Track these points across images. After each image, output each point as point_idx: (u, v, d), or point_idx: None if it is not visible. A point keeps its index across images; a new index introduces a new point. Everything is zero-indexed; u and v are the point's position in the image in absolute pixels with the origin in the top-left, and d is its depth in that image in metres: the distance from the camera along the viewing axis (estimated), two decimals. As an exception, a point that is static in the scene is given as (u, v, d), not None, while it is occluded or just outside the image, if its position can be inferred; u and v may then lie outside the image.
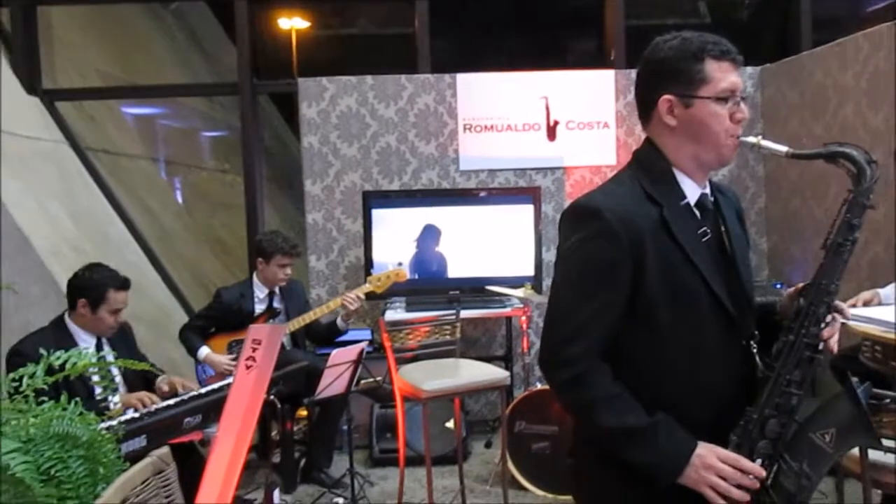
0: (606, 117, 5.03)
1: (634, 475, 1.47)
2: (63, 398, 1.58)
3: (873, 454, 2.19)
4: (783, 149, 1.52)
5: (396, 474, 3.80)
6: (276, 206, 8.03)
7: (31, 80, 5.08)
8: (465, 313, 4.35)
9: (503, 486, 3.44)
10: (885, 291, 3.26)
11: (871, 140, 4.05)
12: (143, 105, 6.97)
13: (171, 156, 7.44)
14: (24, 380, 1.54)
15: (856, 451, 2.15)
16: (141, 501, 1.71)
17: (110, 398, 3.10)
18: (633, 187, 1.53)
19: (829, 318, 1.49)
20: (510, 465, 3.77)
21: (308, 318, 4.16)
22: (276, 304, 4.27)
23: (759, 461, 1.45)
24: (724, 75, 1.49)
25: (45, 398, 1.64)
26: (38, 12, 5.21)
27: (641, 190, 1.51)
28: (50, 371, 1.75)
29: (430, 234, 4.73)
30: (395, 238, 4.70)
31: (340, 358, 3.75)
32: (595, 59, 6.33)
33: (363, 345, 3.88)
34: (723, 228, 1.57)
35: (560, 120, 5.05)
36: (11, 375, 1.59)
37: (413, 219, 4.75)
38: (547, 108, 5.06)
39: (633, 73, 5.62)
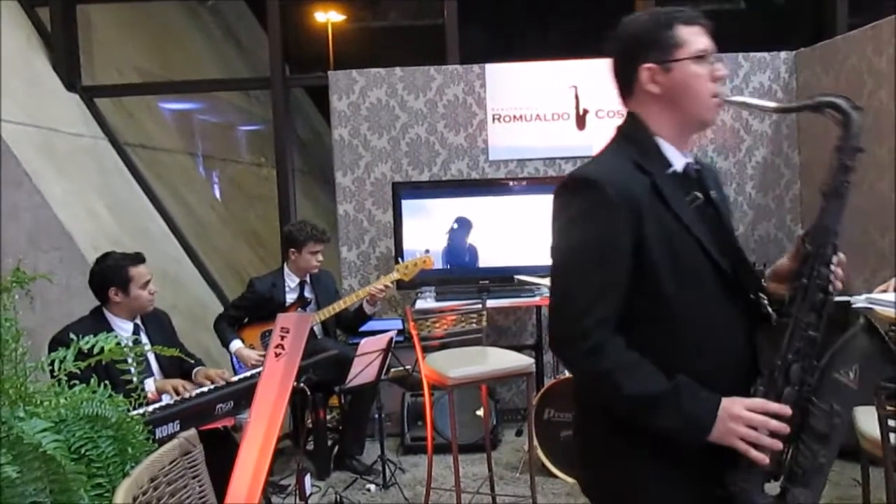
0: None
1: (650, 447, 1.48)
2: (93, 382, 1.64)
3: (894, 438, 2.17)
4: (769, 104, 1.58)
5: (427, 461, 3.85)
6: (310, 198, 8.13)
7: (70, 78, 5.21)
8: (493, 302, 4.39)
9: (531, 473, 3.47)
10: (912, 277, 3.20)
11: (907, 124, 3.98)
12: (180, 100, 7.10)
13: (207, 150, 7.57)
14: (56, 363, 1.61)
15: (877, 434, 2.14)
16: (169, 481, 1.78)
17: (144, 382, 3.18)
18: (622, 159, 1.55)
19: (835, 259, 1.51)
20: (539, 453, 3.80)
21: (338, 307, 4.23)
22: (307, 294, 4.34)
23: (785, 406, 1.45)
24: (696, 37, 1.54)
25: (79, 381, 1.71)
26: (78, 10, 5.34)
27: (631, 161, 1.53)
28: (87, 356, 1.83)
29: (461, 227, 4.77)
30: (425, 228, 4.74)
31: (370, 347, 3.81)
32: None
33: (392, 333, 3.94)
34: (711, 193, 1.60)
35: (589, 109, 5.04)
36: (43, 360, 1.67)
37: (443, 209, 4.78)
38: (576, 97, 5.05)
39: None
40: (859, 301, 2.82)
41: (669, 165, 1.56)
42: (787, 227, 5.20)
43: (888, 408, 2.11)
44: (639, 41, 1.56)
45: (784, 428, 1.43)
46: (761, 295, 1.56)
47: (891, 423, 2.14)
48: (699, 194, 1.55)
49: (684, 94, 1.54)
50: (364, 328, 4.44)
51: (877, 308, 2.70)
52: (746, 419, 1.42)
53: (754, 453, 1.41)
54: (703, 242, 1.50)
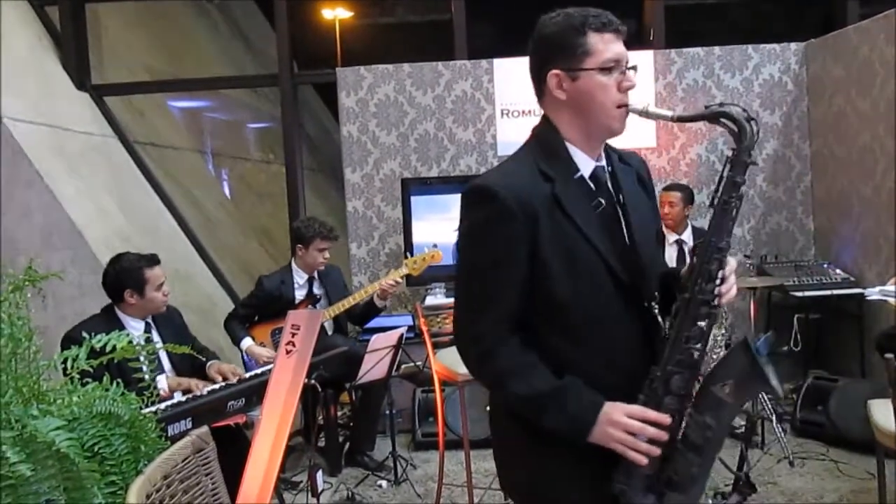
0: (646, 99, 4.94)
1: (551, 444, 1.52)
2: (105, 380, 1.65)
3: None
4: (668, 113, 1.56)
5: (438, 457, 3.85)
6: (319, 196, 8.14)
7: (80, 77, 5.24)
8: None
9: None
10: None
11: (919, 115, 3.95)
12: (190, 98, 7.12)
13: (217, 148, 7.59)
14: (69, 362, 1.62)
15: (892, 426, 2.12)
16: (182, 478, 1.79)
17: (157, 379, 3.19)
18: (528, 165, 1.56)
19: (721, 275, 1.51)
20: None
21: (347, 303, 4.23)
22: (315, 290, 4.35)
23: (664, 415, 1.49)
24: (607, 46, 1.53)
25: (90, 380, 1.71)
26: (87, 9, 5.36)
27: (536, 167, 1.55)
28: (99, 354, 1.84)
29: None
30: (434, 224, 4.74)
31: (380, 343, 3.81)
32: (634, 40, 6.25)
33: (402, 330, 3.94)
34: (620, 198, 1.60)
35: (598, 103, 5.01)
36: (55, 358, 1.67)
37: (452, 205, 4.77)
38: (585, 91, 5.02)
39: (672, 52, 5.52)
40: (873, 293, 2.81)
41: (577, 170, 1.57)
42: (798, 220, 5.17)
43: (902, 400, 2.09)
44: (549, 45, 1.56)
45: (662, 435, 1.48)
46: (654, 304, 1.59)
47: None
48: (602, 200, 1.56)
49: (589, 103, 1.54)
50: (374, 324, 4.44)
51: (891, 300, 2.69)
52: (624, 425, 1.47)
53: (631, 454, 1.46)
54: (599, 249, 1.52)
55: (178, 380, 3.35)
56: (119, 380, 1.70)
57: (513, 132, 5.05)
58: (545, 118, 1.62)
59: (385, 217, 5.09)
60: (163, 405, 2.71)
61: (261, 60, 8.86)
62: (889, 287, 2.83)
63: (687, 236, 4.50)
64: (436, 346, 3.45)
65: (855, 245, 4.66)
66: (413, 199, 4.76)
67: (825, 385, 4.11)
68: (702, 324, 1.51)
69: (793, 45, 5.09)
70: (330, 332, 4.30)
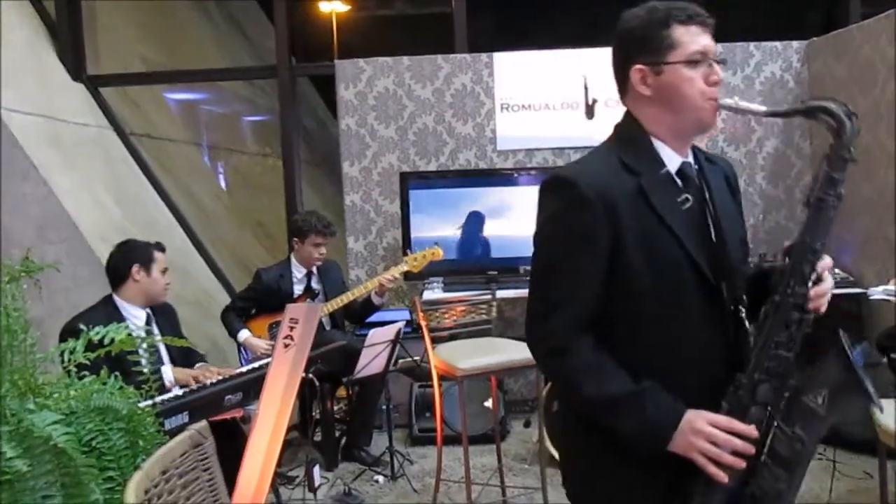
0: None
1: (620, 449, 1.46)
2: (103, 373, 1.62)
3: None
4: (760, 108, 1.49)
5: (435, 452, 3.83)
6: (316, 189, 8.10)
7: (76, 67, 5.19)
8: (502, 293, 4.36)
9: (541, 465, 3.45)
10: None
11: (921, 113, 3.93)
12: (186, 90, 7.07)
13: (213, 140, 7.54)
14: (65, 355, 1.59)
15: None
16: (180, 473, 1.76)
17: (163, 369, 3.17)
18: (609, 159, 1.52)
19: (814, 277, 1.44)
20: (548, 445, 3.77)
21: (346, 298, 4.21)
22: (314, 284, 4.33)
23: (752, 426, 1.41)
24: (693, 38, 1.48)
25: (90, 372, 1.68)
26: (82, 0, 5.31)
27: (618, 161, 1.50)
28: (98, 346, 1.81)
29: (474, 220, 4.75)
30: (432, 219, 4.72)
31: (378, 338, 3.79)
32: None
33: (400, 325, 3.92)
34: (707, 196, 1.55)
35: (599, 98, 4.99)
36: (52, 350, 1.64)
37: (451, 199, 4.76)
38: (585, 87, 5.01)
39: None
40: (876, 293, 2.80)
41: (663, 165, 1.52)
42: (797, 218, 5.15)
43: (908, 400, 2.07)
44: (632, 39, 1.52)
45: (748, 448, 1.39)
46: (740, 307, 1.52)
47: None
48: (689, 196, 1.50)
49: (675, 97, 1.49)
50: (372, 319, 4.43)
51: (894, 300, 2.68)
52: (708, 434, 1.39)
53: (712, 469, 1.38)
54: (686, 245, 1.47)
55: (186, 371, 3.34)
56: (117, 373, 1.67)
57: (512, 126, 5.03)
58: (628, 115, 1.57)
59: (383, 211, 5.06)
60: (159, 398, 2.68)
61: (257, 52, 8.80)
62: (892, 287, 2.82)
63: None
64: (434, 340, 3.43)
65: (855, 245, 4.65)
66: (412, 192, 4.73)
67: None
68: (792, 329, 1.42)
69: (794, 44, 5.07)
70: (327, 328, 4.27)
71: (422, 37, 6.83)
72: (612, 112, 4.95)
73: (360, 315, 4.43)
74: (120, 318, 3.21)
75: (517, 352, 3.26)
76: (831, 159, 1.42)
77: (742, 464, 1.39)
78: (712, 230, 1.52)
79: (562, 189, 1.48)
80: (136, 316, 3.35)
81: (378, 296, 4.29)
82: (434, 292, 4.57)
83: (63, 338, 3.13)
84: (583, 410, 1.51)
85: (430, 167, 5.03)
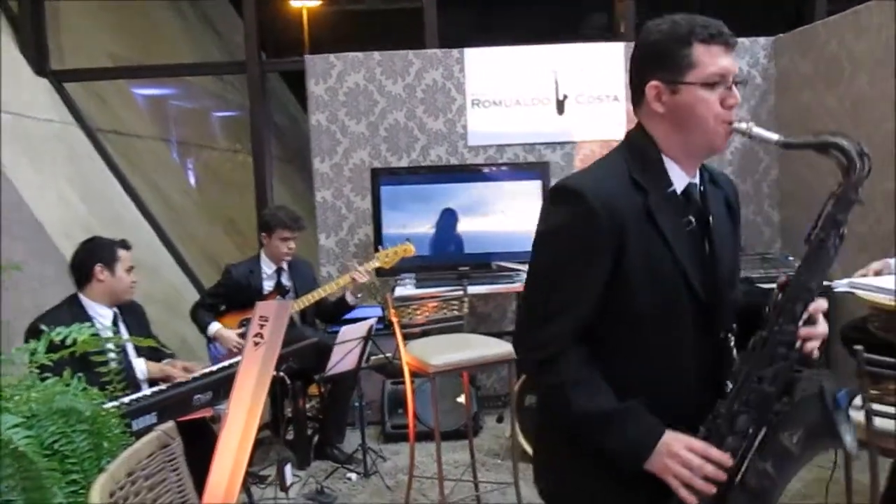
0: (616, 91, 4.97)
1: (603, 463, 1.47)
2: (66, 374, 1.59)
3: (880, 422, 2.18)
4: (774, 136, 1.46)
5: (408, 449, 3.81)
6: (287, 185, 8.04)
7: (39, 62, 5.09)
8: (473, 289, 4.37)
9: (514, 460, 3.46)
10: (895, 262, 3.22)
11: (884, 110, 3.99)
12: (154, 85, 6.97)
13: (182, 136, 7.45)
14: (26, 356, 1.55)
15: (862, 419, 2.14)
16: (147, 475, 1.73)
17: (135, 362, 3.09)
18: (620, 172, 1.49)
19: (806, 315, 1.43)
20: (521, 440, 3.79)
21: (317, 294, 4.18)
22: (284, 281, 4.29)
23: (727, 455, 1.42)
24: (714, 59, 1.44)
25: (52, 374, 1.65)
26: (46, -7, 5.21)
27: (628, 175, 1.48)
28: (62, 347, 1.77)
29: (448, 217, 4.74)
30: (404, 215, 4.70)
31: (349, 334, 3.77)
32: (605, 32, 6.25)
33: (372, 321, 3.90)
34: (710, 220, 1.54)
35: (569, 94, 5.00)
36: (14, 351, 1.61)
37: (422, 196, 4.74)
38: (556, 83, 5.01)
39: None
40: (841, 285, 2.83)
41: (670, 184, 1.50)
42: (765, 213, 5.22)
43: (872, 391, 2.11)
44: (650, 54, 1.49)
45: (720, 475, 1.41)
46: (730, 335, 1.53)
47: (875, 406, 2.15)
48: (692, 219, 1.49)
49: (688, 118, 1.46)
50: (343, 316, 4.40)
51: (858, 292, 2.72)
52: (683, 459, 1.40)
53: (683, 493, 1.40)
54: (685, 268, 1.46)
55: (161, 366, 3.30)
56: (80, 374, 1.63)
57: (484, 122, 5.02)
58: (641, 127, 1.54)
59: (354, 207, 5.03)
60: (126, 399, 2.63)
61: (227, 48, 8.71)
62: (856, 279, 2.86)
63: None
64: (406, 337, 3.42)
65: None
66: (383, 189, 4.71)
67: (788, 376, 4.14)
68: (777, 365, 1.42)
69: (761, 40, 5.13)
70: (298, 325, 4.24)
71: (392, 32, 6.81)
72: (582, 108, 4.97)
73: (332, 314, 4.39)
74: (85, 318, 3.16)
75: (489, 347, 3.26)
76: (838, 199, 1.40)
77: (712, 489, 1.40)
78: (711, 255, 1.52)
79: (571, 200, 1.46)
80: (102, 315, 3.30)
81: (353, 295, 4.26)
82: (406, 288, 4.56)
83: (27, 338, 3.08)
84: (567, 422, 1.51)
85: (402, 163, 5.01)
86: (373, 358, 4.10)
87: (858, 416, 2.28)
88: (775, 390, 1.41)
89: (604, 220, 1.42)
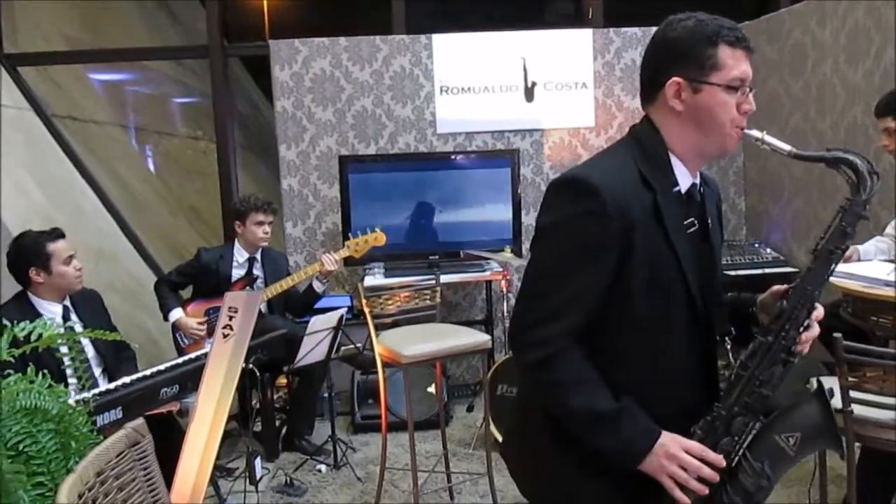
0: (584, 78, 4.96)
1: (590, 462, 1.47)
2: (30, 371, 1.52)
3: (856, 408, 2.19)
4: (787, 147, 1.47)
5: (378, 440, 3.77)
6: (251, 174, 7.90)
7: (-8, 45, 4.91)
8: (445, 278, 4.33)
9: (486, 450, 3.44)
10: (865, 248, 3.26)
11: (849, 97, 4.03)
12: (111, 71, 6.78)
13: (141, 122, 7.27)
14: (-11, 352, 1.47)
15: (839, 405, 2.15)
16: (117, 474, 1.67)
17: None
18: (629, 168, 1.47)
19: (806, 322, 1.46)
20: (493, 429, 3.77)
21: (286, 283, 4.11)
22: (255, 271, 4.21)
23: (721, 457, 1.44)
24: (737, 63, 1.45)
25: (11, 371, 1.58)
26: (-2, -27, 5.03)
27: (638, 172, 1.46)
28: (16, 345, 1.69)
29: (423, 211, 4.69)
30: (372, 203, 4.64)
31: (319, 325, 3.71)
32: (573, 18, 6.22)
33: (342, 311, 3.85)
34: (708, 221, 1.55)
35: (538, 81, 4.98)
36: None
37: (390, 183, 4.68)
38: (525, 69, 4.98)
39: (611, 31, 5.51)
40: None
41: (676, 184, 1.49)
42: (730, 200, 5.26)
43: (850, 379, 2.12)
44: (674, 49, 1.47)
45: (714, 477, 1.42)
46: (726, 339, 1.55)
47: (853, 394, 2.16)
48: (696, 221, 1.50)
49: (706, 118, 1.46)
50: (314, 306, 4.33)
51: (832, 280, 2.73)
52: (680, 460, 1.41)
53: (678, 493, 1.40)
54: (685, 271, 1.46)
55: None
56: (45, 371, 1.56)
57: (452, 109, 4.97)
58: (649, 122, 1.52)
59: (321, 196, 4.96)
60: (89, 394, 2.54)
61: (186, 33, 8.51)
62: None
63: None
64: (378, 327, 3.38)
65: (785, 225, 4.77)
66: (351, 177, 4.64)
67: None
68: (776, 369, 1.45)
69: (727, 27, 5.14)
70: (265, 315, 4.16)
71: (358, 17, 6.71)
72: (550, 94, 4.95)
73: (302, 305, 4.31)
74: (35, 315, 3.05)
75: (461, 337, 3.23)
76: (846, 213, 1.42)
77: (706, 490, 1.41)
78: (709, 257, 1.53)
79: (583, 194, 1.42)
80: (51, 312, 3.18)
81: (319, 282, 4.19)
82: (375, 278, 4.51)
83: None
84: (563, 420, 1.49)
85: (370, 150, 4.94)
86: (343, 349, 4.05)
87: (835, 402, 2.29)
88: (772, 394, 1.44)
89: (615, 220, 1.40)
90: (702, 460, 1.41)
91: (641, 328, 1.46)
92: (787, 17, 4.64)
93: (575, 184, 1.44)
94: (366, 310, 3.34)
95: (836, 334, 2.13)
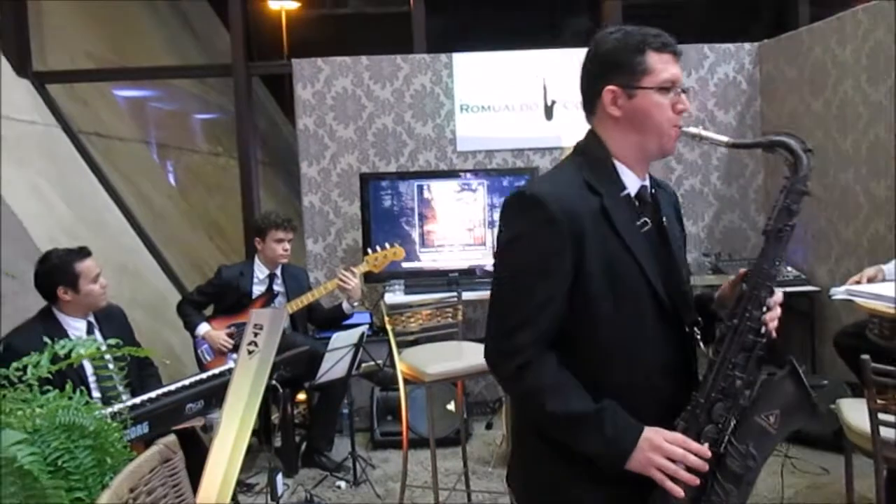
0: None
1: (582, 468, 1.49)
2: (68, 387, 1.55)
3: (884, 431, 2.18)
4: (723, 138, 1.57)
5: (397, 457, 3.79)
6: (270, 190, 7.97)
7: (21, 63, 5.00)
8: (467, 295, 4.34)
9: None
10: (889, 267, 3.25)
11: (871, 115, 4.03)
12: (135, 88, 6.88)
13: (163, 139, 7.35)
14: (29, 369, 1.50)
15: (867, 427, 2.15)
16: (149, 490, 1.70)
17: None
18: (574, 177, 1.55)
19: (769, 301, 1.51)
20: (512, 447, 3.77)
21: (306, 299, 4.14)
22: (276, 287, 4.24)
23: (706, 445, 1.47)
24: (665, 66, 1.53)
25: (50, 388, 1.61)
26: (27, -7, 5.13)
27: (583, 180, 1.54)
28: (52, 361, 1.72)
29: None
30: (392, 220, 4.67)
31: (341, 342, 3.74)
32: (590, 36, 6.23)
33: (363, 328, 3.87)
34: (662, 220, 1.60)
35: (557, 99, 5.01)
36: (15, 365, 1.56)
37: (410, 201, 4.72)
38: (544, 88, 5.02)
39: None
40: (839, 293, 2.84)
41: (624, 188, 1.56)
42: (751, 218, 5.25)
43: (878, 401, 2.11)
44: (607, 61, 1.55)
45: (702, 465, 1.45)
46: (696, 329, 1.58)
47: (881, 416, 2.15)
48: (648, 220, 1.56)
49: (643, 121, 1.53)
50: (333, 321, 4.36)
51: (857, 300, 2.72)
52: (666, 451, 1.44)
53: (669, 484, 1.43)
54: (644, 268, 1.51)
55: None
56: (83, 388, 1.59)
57: (472, 127, 5.01)
58: (592, 134, 1.60)
59: (342, 212, 5.00)
60: (116, 408, 2.57)
61: (206, 49, 8.63)
62: (853, 287, 2.87)
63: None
64: (400, 344, 3.39)
65: (806, 243, 4.75)
66: (371, 194, 4.68)
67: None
68: (747, 352, 1.49)
69: (747, 45, 5.16)
70: (288, 332, 4.19)
71: (379, 36, 6.77)
72: (570, 114, 4.97)
73: (325, 320, 4.34)
74: (59, 332, 3.08)
75: (483, 356, 3.24)
76: (789, 192, 1.50)
77: (696, 480, 1.44)
78: (667, 255, 1.58)
79: (529, 207, 1.50)
80: (76, 328, 3.22)
81: (349, 304, 4.21)
82: (395, 295, 4.53)
83: (4, 353, 2.97)
84: (544, 427, 1.53)
85: (390, 168, 4.98)
86: (363, 365, 4.07)
87: (860, 424, 2.29)
88: (747, 376, 1.48)
89: (564, 224, 1.46)
90: (687, 450, 1.44)
91: (613, 329, 1.50)
92: (806, 36, 4.65)
93: (522, 199, 1.52)
94: (388, 327, 3.36)
95: (863, 356, 2.12)
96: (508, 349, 1.49)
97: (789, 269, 4.73)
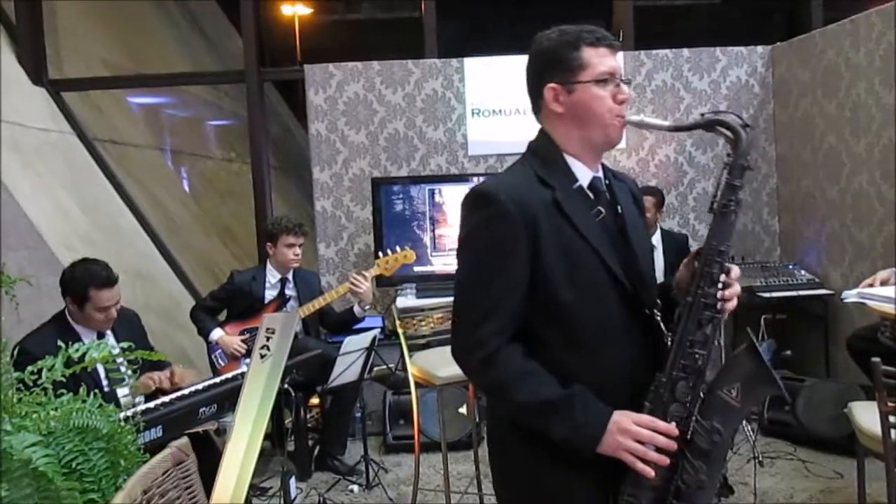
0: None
1: (553, 455, 1.51)
2: (82, 390, 1.57)
3: (894, 434, 2.17)
4: (664, 123, 1.63)
5: (409, 460, 3.79)
6: (283, 195, 8.02)
7: (36, 71, 5.06)
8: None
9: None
10: (902, 271, 3.23)
11: (885, 118, 4.01)
12: (149, 95, 6.94)
13: (177, 145, 7.42)
14: (44, 373, 1.53)
15: (878, 430, 2.14)
16: (162, 492, 1.71)
17: (118, 391, 3.01)
18: (526, 173, 1.59)
19: (722, 278, 1.53)
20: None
21: (318, 303, 4.15)
22: (287, 291, 4.26)
23: (672, 424, 1.49)
24: (601, 60, 1.57)
25: (64, 391, 1.63)
26: (43, 2, 5.18)
27: (534, 175, 1.57)
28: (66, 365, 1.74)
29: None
30: (404, 224, 4.69)
31: (353, 345, 3.75)
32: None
33: (376, 332, 3.88)
34: (619, 209, 1.63)
35: (569, 103, 5.00)
36: (30, 369, 1.58)
37: (422, 205, 4.73)
38: (555, 92, 5.01)
39: (642, 54, 5.52)
40: (851, 296, 2.83)
41: (576, 180, 1.59)
42: (763, 221, 5.23)
43: (889, 404, 2.10)
44: (545, 60, 1.60)
45: (671, 445, 1.47)
46: (656, 311, 1.60)
47: (892, 419, 2.14)
48: (602, 209, 1.58)
49: (585, 114, 1.57)
50: (344, 325, 4.37)
51: (869, 303, 2.71)
52: (634, 433, 1.46)
53: (640, 465, 1.45)
54: (602, 254, 1.54)
55: (140, 380, 3.20)
56: (97, 391, 1.61)
57: (483, 132, 5.02)
58: (542, 132, 1.64)
59: (354, 217, 5.02)
60: (129, 412, 2.59)
61: (219, 56, 8.69)
62: (865, 290, 2.86)
63: (656, 240, 4.54)
64: (411, 347, 3.40)
65: (820, 246, 4.73)
66: (383, 198, 4.69)
67: (792, 385, 4.14)
68: (705, 328, 1.51)
69: (759, 48, 5.15)
70: (300, 336, 4.21)
71: (390, 41, 6.81)
72: (582, 117, 4.96)
73: (337, 323, 4.36)
74: (73, 337, 3.10)
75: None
76: (731, 168, 1.52)
77: (666, 461, 1.46)
78: (625, 241, 1.60)
79: (483, 203, 1.53)
80: (87, 336, 3.23)
81: (360, 307, 4.22)
82: (407, 299, 4.54)
83: (19, 357, 3.00)
84: (515, 417, 1.56)
85: (402, 172, 5.00)
86: (375, 369, 4.08)
87: (872, 427, 2.28)
88: (706, 353, 1.51)
89: (516, 217, 1.50)
90: (655, 430, 1.46)
91: (573, 315, 1.52)
92: (819, 39, 4.64)
93: (475, 196, 1.56)
94: (400, 331, 3.36)
95: (874, 359, 2.11)
96: (471, 343, 1.52)
97: (802, 272, 4.71)
